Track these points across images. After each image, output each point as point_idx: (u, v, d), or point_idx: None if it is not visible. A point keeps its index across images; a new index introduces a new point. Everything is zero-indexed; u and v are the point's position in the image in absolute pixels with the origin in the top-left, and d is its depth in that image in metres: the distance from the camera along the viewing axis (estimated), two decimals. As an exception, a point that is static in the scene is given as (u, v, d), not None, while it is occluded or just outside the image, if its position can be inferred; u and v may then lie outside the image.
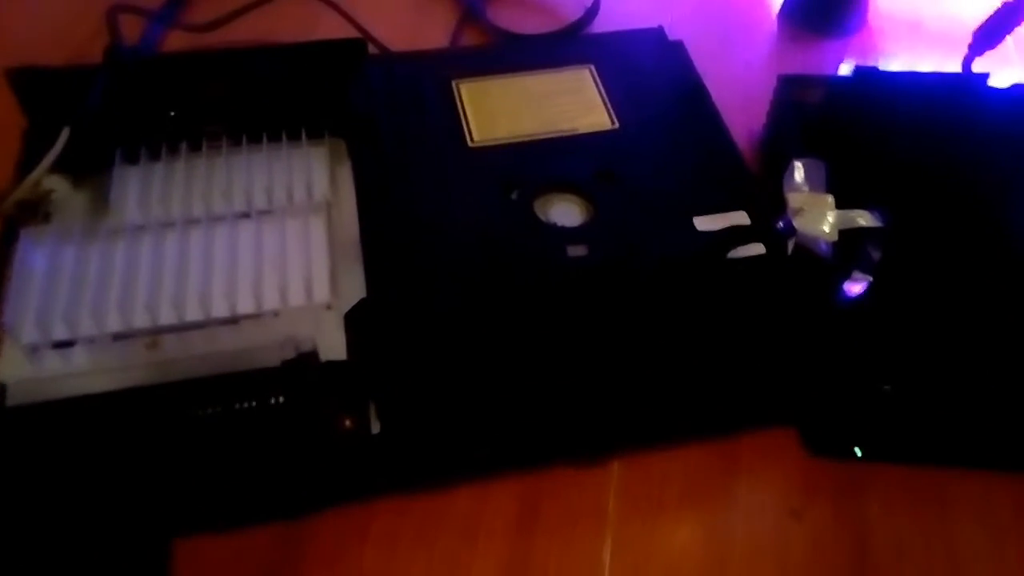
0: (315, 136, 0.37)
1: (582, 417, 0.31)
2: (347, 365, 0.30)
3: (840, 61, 0.42)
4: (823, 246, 0.34)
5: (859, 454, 0.33)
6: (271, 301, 0.31)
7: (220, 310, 0.31)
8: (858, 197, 0.35)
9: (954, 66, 0.40)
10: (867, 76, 0.39)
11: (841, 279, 0.33)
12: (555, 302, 0.31)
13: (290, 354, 0.28)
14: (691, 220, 0.34)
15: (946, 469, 0.33)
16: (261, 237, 0.33)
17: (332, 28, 0.48)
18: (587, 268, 0.32)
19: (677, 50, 0.41)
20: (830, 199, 0.35)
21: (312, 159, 0.36)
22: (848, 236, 0.34)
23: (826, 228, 0.34)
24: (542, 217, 0.34)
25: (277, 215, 0.34)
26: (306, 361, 0.28)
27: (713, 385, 0.32)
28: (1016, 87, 0.39)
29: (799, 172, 0.36)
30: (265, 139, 0.37)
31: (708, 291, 0.32)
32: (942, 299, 0.33)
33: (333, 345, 0.30)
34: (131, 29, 0.49)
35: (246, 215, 0.34)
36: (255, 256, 0.32)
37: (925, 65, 0.40)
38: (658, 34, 0.42)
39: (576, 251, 0.33)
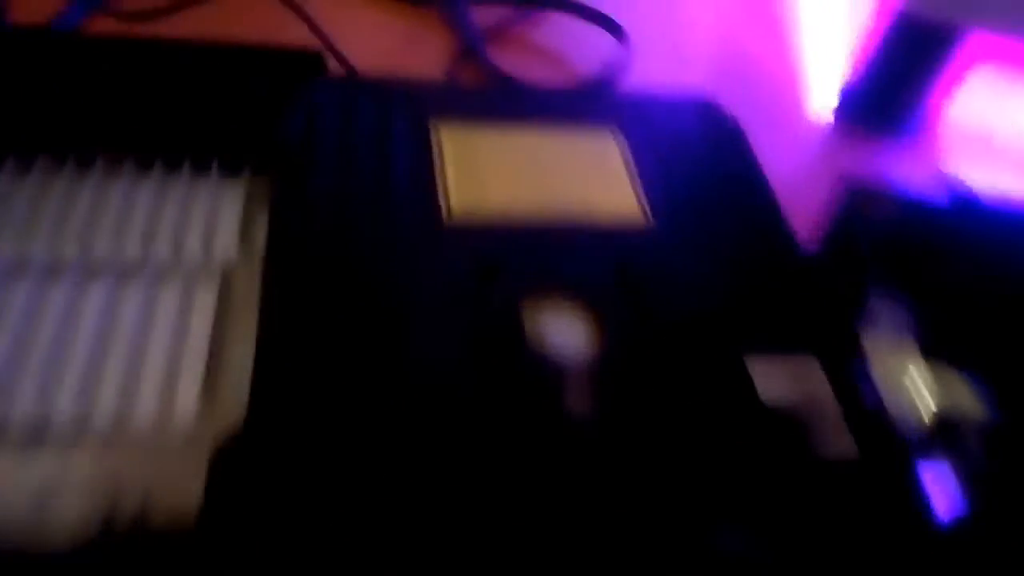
0: (231, 171, 0.27)
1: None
2: (195, 531, 0.19)
3: (897, 163, 0.34)
4: (910, 426, 0.24)
5: None
6: (100, 418, 0.20)
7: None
8: (949, 354, 0.26)
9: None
10: (967, 207, 0.30)
11: (933, 488, 0.23)
12: (540, 480, 0.20)
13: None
14: (741, 359, 0.23)
15: None
16: (116, 306, 0.23)
17: (297, 42, 0.39)
18: (590, 431, 0.21)
19: (732, 129, 0.31)
20: (920, 361, 0.25)
21: (221, 201, 0.26)
22: (941, 420, 0.24)
23: (918, 402, 0.25)
24: (530, 329, 0.24)
25: (148, 275, 0.24)
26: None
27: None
28: None
29: (880, 315, 0.27)
30: (159, 166, 0.26)
31: (773, 501, 0.21)
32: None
33: (183, 496, 0.19)
34: (46, 6, 0.39)
35: (100, 272, 0.23)
36: (96, 335, 0.22)
37: (996, 177, 0.32)
38: (707, 105, 0.32)
39: (576, 399, 0.22)
